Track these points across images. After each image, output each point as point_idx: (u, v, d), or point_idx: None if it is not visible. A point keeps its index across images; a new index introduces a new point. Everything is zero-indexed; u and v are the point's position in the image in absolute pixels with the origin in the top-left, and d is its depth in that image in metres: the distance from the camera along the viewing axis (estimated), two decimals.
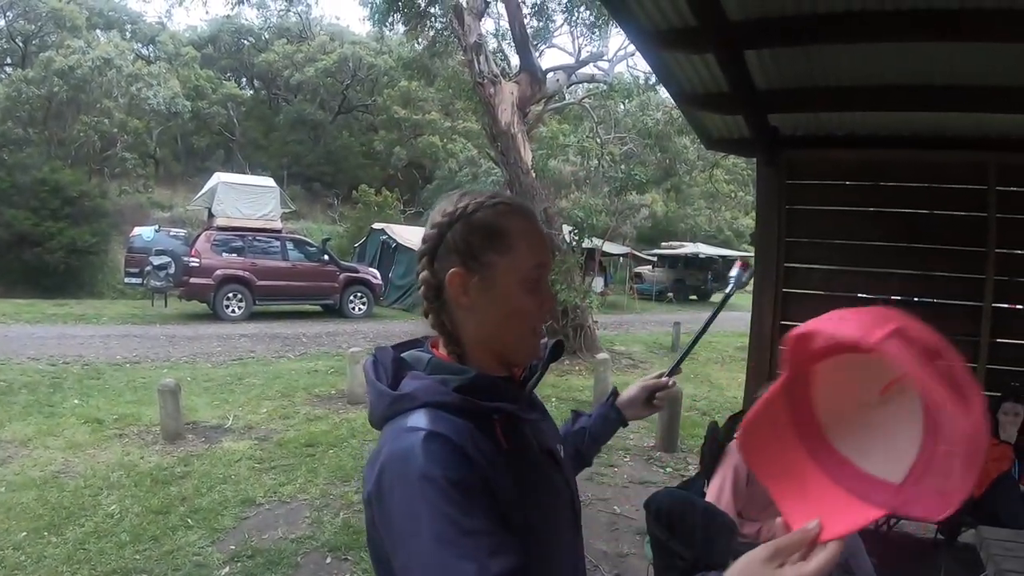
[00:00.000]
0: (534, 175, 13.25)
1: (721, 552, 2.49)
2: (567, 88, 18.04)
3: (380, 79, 36.83)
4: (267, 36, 39.82)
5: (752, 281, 4.68)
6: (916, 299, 4.86)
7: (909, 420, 0.84)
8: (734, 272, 2.39)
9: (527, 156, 13.33)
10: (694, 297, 30.46)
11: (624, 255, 28.70)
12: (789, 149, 4.80)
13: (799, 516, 0.88)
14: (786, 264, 4.87)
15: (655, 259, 30.99)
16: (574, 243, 13.74)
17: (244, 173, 21.90)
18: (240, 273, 16.14)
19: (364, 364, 1.17)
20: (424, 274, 1.14)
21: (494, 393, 1.08)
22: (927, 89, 3.99)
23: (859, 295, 4.87)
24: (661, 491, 2.49)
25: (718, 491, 3.17)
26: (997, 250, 4.62)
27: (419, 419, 1.01)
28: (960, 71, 3.79)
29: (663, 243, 32.51)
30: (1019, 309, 4.78)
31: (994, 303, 4.62)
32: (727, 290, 1.92)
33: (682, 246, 31.13)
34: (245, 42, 40.78)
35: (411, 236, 19.83)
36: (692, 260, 30.58)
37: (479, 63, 13.42)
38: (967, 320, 4.67)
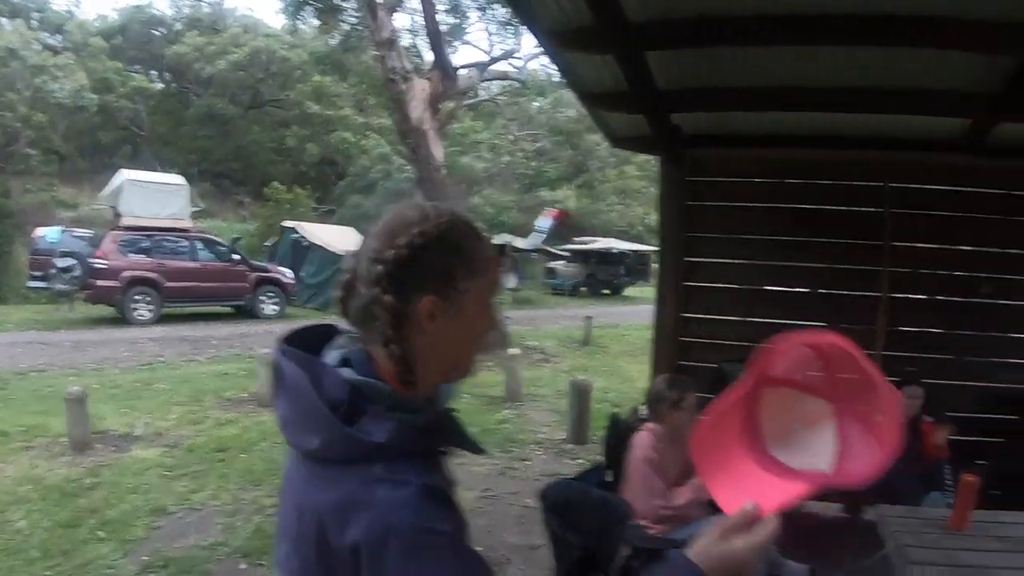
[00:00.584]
0: (444, 172, 13.24)
1: (616, 541, 2.57)
2: (480, 85, 18.06)
3: (293, 73, 35.97)
4: (179, 27, 38.25)
5: (657, 273, 4.87)
6: (819, 291, 5.10)
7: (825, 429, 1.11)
8: (543, 221, 2.43)
9: (438, 153, 13.32)
10: (607, 291, 30.67)
11: (537, 251, 28.91)
12: (691, 147, 4.95)
13: (735, 503, 1.01)
14: (687, 259, 5.04)
15: (568, 255, 30.99)
16: None
17: (152, 170, 21.06)
18: (148, 275, 15.62)
19: (292, 376, 1.02)
20: (388, 299, 1.00)
21: (448, 431, 1.08)
22: (826, 91, 4.17)
23: (760, 287, 5.08)
24: (555, 482, 2.52)
25: (641, 478, 3.27)
26: (892, 243, 4.89)
27: (402, 470, 0.96)
28: (857, 74, 3.98)
29: (575, 239, 32.86)
30: (913, 299, 5.07)
31: (890, 293, 4.90)
32: (536, 237, 1.96)
33: (594, 241, 31.35)
34: (156, 33, 38.96)
35: (323, 234, 19.57)
36: (605, 255, 30.81)
37: (391, 59, 13.33)
38: (866, 310, 4.93)
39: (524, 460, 6.47)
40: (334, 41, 18.07)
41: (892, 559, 2.84)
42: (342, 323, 1.12)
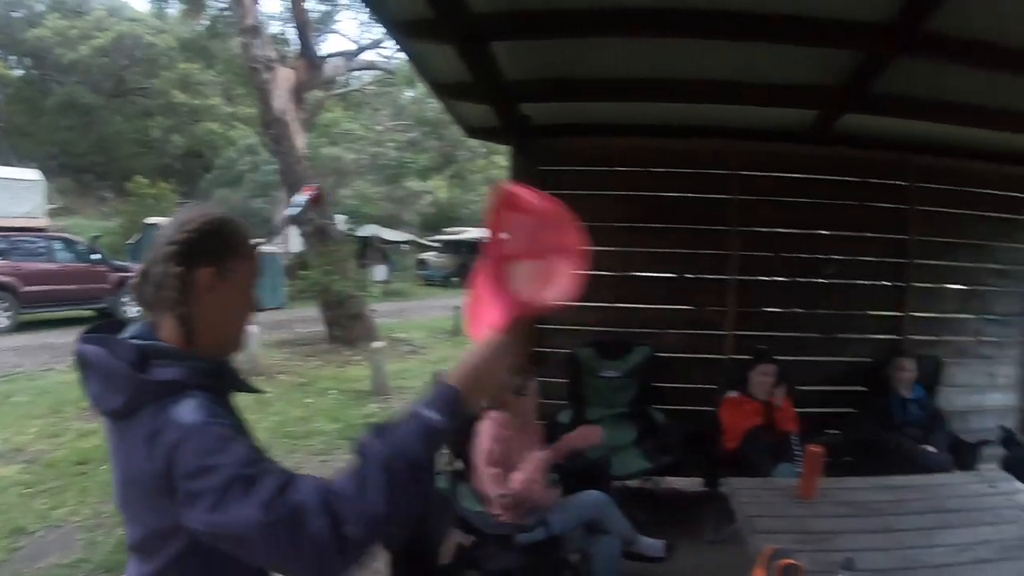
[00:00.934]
0: (307, 163, 12.96)
1: (438, 530, 2.63)
2: (348, 74, 17.68)
3: (159, 60, 33.73)
4: (41, 8, 35.23)
5: None
6: (670, 276, 5.32)
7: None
8: (299, 197, 2.65)
9: (300, 144, 13.11)
10: None
11: (407, 242, 28.65)
12: (542, 137, 5.03)
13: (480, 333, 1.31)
14: None
15: (439, 245, 30.92)
16: (349, 231, 13.58)
17: (9, 164, 19.51)
18: (3, 279, 14.38)
19: (92, 353, 1.24)
20: (177, 269, 1.26)
21: (227, 376, 1.34)
22: (674, 82, 4.34)
23: (613, 274, 5.19)
24: None
25: (485, 466, 3.34)
26: (740, 228, 5.16)
27: (188, 396, 1.19)
28: (706, 67, 4.16)
29: (445, 228, 32.69)
30: (762, 281, 5.37)
31: (739, 276, 5.17)
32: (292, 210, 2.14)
33: (465, 231, 30.76)
34: (15, 15, 35.51)
35: None
36: (476, 245, 30.50)
37: (255, 47, 12.97)
38: (717, 293, 5.20)
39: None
40: (201, 26, 17.23)
41: (743, 530, 2.97)
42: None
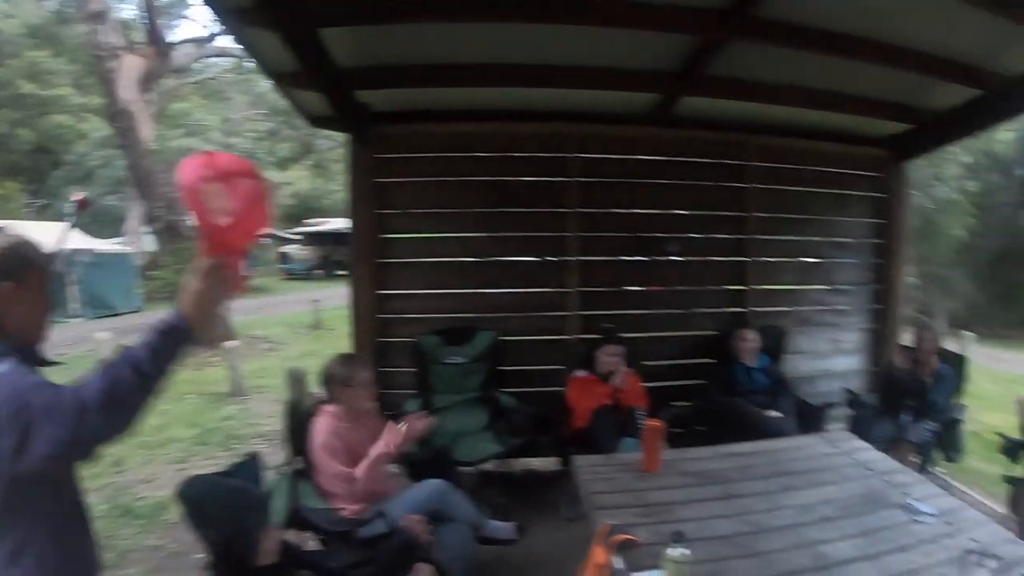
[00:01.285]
0: (156, 156, 12.33)
1: (253, 529, 2.49)
2: (201, 62, 16.86)
3: (4, 48, 31.11)
4: None
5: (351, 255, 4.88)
6: (513, 259, 5.27)
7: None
8: (68, 206, 3.33)
9: (147, 135, 12.51)
10: (343, 272, 29.75)
11: (267, 235, 27.66)
12: (379, 124, 4.90)
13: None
14: (381, 235, 4.99)
15: (301, 237, 30.13)
16: None
17: None
18: None
19: None
20: None
21: (33, 353, 1.66)
22: (514, 67, 4.30)
23: (455, 260, 5.15)
24: (189, 480, 2.36)
25: (324, 462, 3.22)
26: (581, 210, 5.18)
27: (5, 364, 1.51)
28: (544, 51, 4.14)
29: (307, 220, 31.39)
30: (605, 261, 5.37)
31: (581, 257, 5.20)
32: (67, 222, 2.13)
33: (327, 222, 30.12)
34: None
35: (36, 233, 17.34)
36: (338, 235, 29.28)
37: (100, 33, 12.24)
38: (561, 274, 5.20)
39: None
40: (49, 11, 15.96)
41: (586, 507, 2.95)
42: None
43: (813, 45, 3.88)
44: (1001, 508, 4.48)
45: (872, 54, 4.02)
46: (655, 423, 3.23)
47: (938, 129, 5.41)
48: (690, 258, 5.52)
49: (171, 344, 1.55)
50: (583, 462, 3.32)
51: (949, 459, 4.80)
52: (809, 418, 4.68)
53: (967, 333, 7.20)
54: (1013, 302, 26.28)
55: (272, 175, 22.94)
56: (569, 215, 5.16)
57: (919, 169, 15.35)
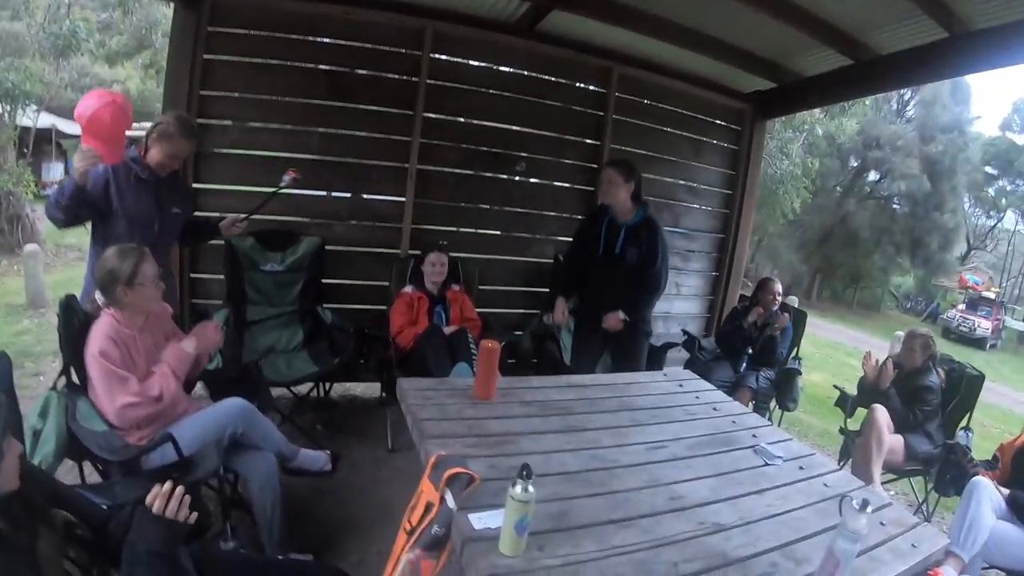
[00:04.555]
0: None
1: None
2: None
3: None
4: None
5: None
6: (348, 160, 4.70)
7: None
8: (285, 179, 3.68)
9: None
10: None
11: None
12: None
13: None
14: (200, 120, 4.19)
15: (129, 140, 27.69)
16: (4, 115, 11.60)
17: None
18: None
19: None
20: None
21: None
22: None
23: (279, 154, 4.52)
24: None
25: (102, 375, 2.61)
26: (425, 115, 4.71)
27: None
28: None
29: (137, 124, 28.91)
30: (444, 172, 4.93)
31: (419, 166, 4.74)
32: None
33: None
34: None
35: None
36: None
37: None
38: (396, 181, 4.73)
39: (37, 375, 5.34)
40: None
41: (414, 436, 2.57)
42: None
43: None
44: (828, 459, 4.60)
45: None
46: (490, 344, 2.80)
47: (800, 91, 5.48)
48: (537, 180, 5.26)
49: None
50: (409, 385, 2.88)
51: (785, 407, 4.87)
52: (649, 357, 4.51)
53: (792, 298, 7.44)
54: (830, 277, 28.82)
55: (100, 71, 20.70)
56: (413, 119, 4.69)
57: (767, 140, 16.00)
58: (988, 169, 31.62)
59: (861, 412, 4.31)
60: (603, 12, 4.45)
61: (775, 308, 4.94)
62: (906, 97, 28.61)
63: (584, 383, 3.28)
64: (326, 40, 4.50)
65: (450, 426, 2.51)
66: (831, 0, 3.97)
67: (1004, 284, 34.00)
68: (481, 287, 4.77)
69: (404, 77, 4.67)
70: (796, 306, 5.70)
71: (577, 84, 5.30)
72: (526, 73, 5.10)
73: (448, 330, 4.13)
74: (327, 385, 4.43)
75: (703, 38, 4.77)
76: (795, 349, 5.13)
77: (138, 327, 2.73)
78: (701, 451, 2.60)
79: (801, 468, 2.56)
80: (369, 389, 4.82)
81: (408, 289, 4.30)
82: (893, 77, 4.72)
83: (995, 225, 35.91)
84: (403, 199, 4.75)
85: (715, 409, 3.11)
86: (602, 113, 5.31)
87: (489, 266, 5.08)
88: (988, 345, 24.57)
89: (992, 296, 27.24)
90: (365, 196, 4.81)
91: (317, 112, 4.56)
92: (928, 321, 29.00)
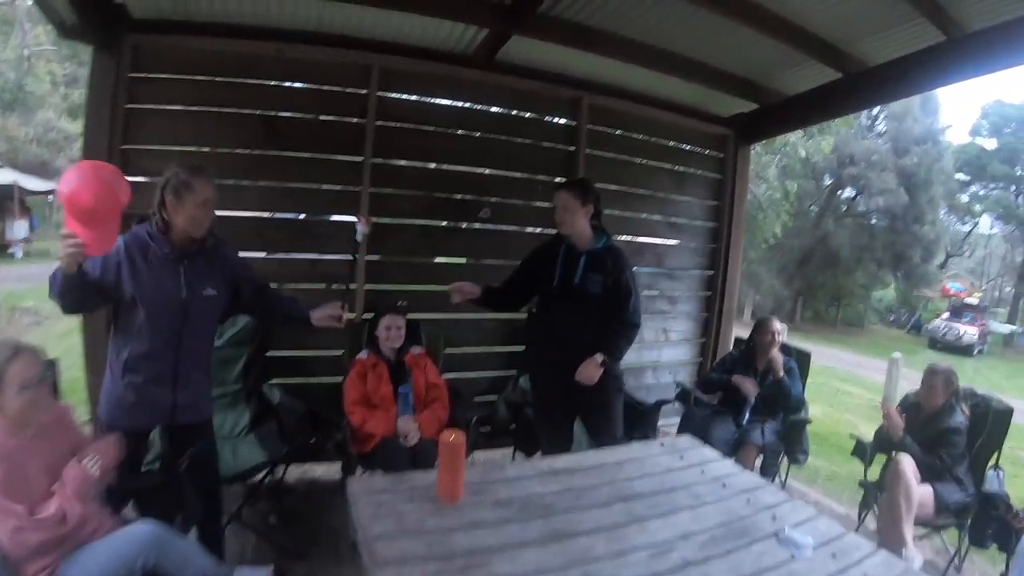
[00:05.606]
0: None
1: None
2: None
3: None
4: None
5: None
6: (293, 217, 4.27)
7: None
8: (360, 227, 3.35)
9: None
10: None
11: (55, 191, 24.68)
12: (137, 33, 3.75)
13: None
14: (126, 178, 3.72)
15: None
16: None
17: None
18: None
19: None
20: None
21: None
22: None
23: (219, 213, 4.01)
24: None
25: None
26: (374, 160, 4.26)
27: None
28: None
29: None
30: (401, 224, 4.49)
31: (372, 217, 4.18)
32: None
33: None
34: None
35: None
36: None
37: None
38: (345, 237, 4.03)
39: None
40: None
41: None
42: None
43: None
44: (841, 506, 4.70)
45: (735, 9, 3.69)
46: (452, 439, 2.31)
47: (785, 111, 5.19)
48: (506, 227, 4.81)
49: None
50: (360, 488, 2.40)
51: (795, 461, 4.36)
52: (642, 419, 4.08)
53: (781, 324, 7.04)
54: (812, 298, 28.89)
55: (65, 125, 20.20)
56: (362, 166, 4.23)
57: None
58: (960, 176, 32.17)
59: (880, 457, 3.97)
60: (567, 36, 4.11)
61: (775, 350, 4.45)
62: (874, 112, 28.70)
63: (569, 467, 2.79)
64: (262, 82, 4.06)
65: (408, 544, 2.03)
66: (815, 9, 3.69)
67: (984, 288, 34.32)
68: (448, 350, 4.25)
69: (350, 119, 4.22)
70: (796, 346, 5.24)
71: (545, 118, 4.92)
72: (489, 109, 4.73)
73: (412, 440, 3.56)
74: (283, 468, 3.86)
75: (678, 60, 4.45)
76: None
77: (27, 437, 2.20)
78: (716, 549, 2.16)
79: (834, 556, 2.17)
80: (331, 470, 4.32)
81: (363, 355, 3.77)
82: (886, 89, 4.34)
83: (971, 231, 36.40)
84: (354, 257, 4.15)
85: (724, 486, 2.67)
86: (573, 148, 4.91)
87: (457, 326, 4.57)
88: (975, 351, 24.60)
89: (975, 302, 28.13)
90: (311, 257, 4.33)
91: (254, 163, 4.09)
92: (913, 332, 29.31)
